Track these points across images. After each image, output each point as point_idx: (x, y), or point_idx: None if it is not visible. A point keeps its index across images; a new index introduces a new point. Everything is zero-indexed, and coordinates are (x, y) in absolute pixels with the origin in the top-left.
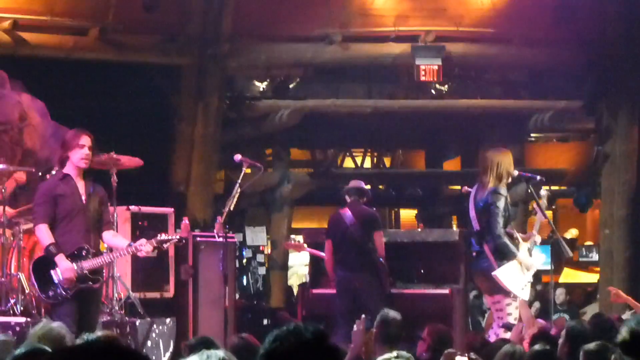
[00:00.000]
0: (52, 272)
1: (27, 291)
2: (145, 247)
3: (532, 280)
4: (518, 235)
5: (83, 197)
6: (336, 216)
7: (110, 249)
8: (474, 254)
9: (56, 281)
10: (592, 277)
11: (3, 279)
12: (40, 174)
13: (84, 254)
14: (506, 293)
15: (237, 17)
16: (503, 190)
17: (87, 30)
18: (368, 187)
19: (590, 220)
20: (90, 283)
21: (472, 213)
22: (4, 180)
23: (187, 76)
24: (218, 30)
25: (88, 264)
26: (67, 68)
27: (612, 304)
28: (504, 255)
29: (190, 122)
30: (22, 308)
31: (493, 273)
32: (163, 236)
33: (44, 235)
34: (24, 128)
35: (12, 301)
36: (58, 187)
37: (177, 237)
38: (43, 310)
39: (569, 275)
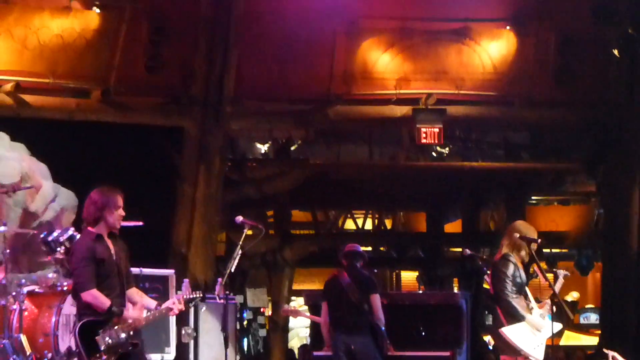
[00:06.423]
0: (97, 338)
1: (28, 353)
2: (178, 306)
3: (544, 343)
4: (533, 301)
5: (114, 258)
6: (332, 278)
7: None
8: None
9: (101, 348)
10: (592, 340)
11: (5, 341)
12: (41, 236)
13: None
14: (515, 352)
15: (240, 80)
16: (512, 257)
17: (90, 92)
18: (369, 248)
19: (591, 283)
20: (131, 348)
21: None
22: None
23: (189, 137)
24: (220, 92)
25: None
26: (70, 130)
27: None
28: (512, 316)
29: (192, 183)
30: None
31: (500, 330)
32: (187, 295)
33: (99, 298)
34: (26, 191)
35: None
36: (97, 249)
37: (200, 295)
38: None
39: (570, 338)
